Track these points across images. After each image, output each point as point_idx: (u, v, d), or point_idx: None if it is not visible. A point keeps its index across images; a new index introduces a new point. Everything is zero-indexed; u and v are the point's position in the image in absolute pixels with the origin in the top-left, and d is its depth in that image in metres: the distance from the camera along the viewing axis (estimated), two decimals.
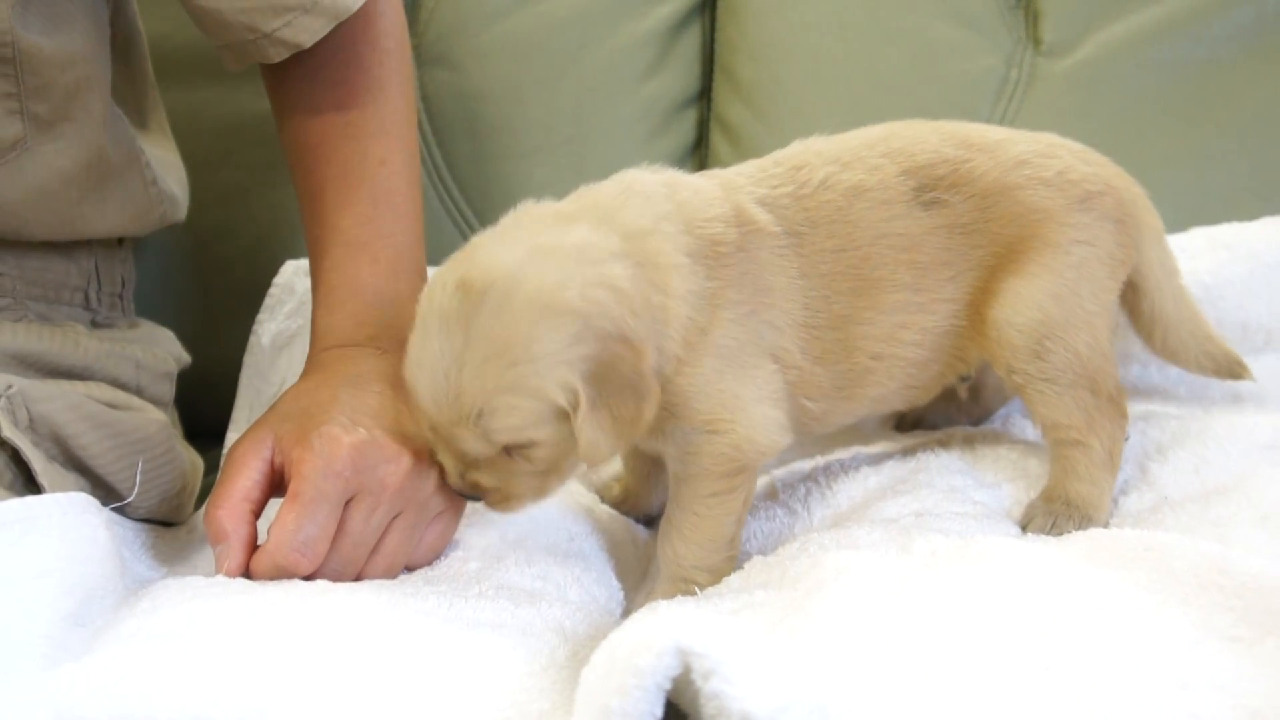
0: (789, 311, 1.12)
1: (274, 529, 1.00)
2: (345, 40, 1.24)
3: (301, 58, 1.22)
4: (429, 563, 1.09)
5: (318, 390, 1.10)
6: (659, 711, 0.69)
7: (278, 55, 1.20)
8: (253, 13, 1.18)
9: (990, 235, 1.15)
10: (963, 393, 1.34)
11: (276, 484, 1.06)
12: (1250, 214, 1.39)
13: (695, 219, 1.08)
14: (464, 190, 1.60)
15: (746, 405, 1.09)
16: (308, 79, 1.25)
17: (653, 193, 1.09)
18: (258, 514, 1.05)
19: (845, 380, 1.16)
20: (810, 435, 1.22)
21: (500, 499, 1.06)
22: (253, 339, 1.50)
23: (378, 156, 1.23)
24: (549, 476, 1.06)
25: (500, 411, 0.99)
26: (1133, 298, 1.22)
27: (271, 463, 1.06)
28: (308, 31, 1.20)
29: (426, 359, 1.01)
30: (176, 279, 1.59)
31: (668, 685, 0.69)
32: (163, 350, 1.31)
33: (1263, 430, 1.19)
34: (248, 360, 1.49)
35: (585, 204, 1.08)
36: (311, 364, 1.17)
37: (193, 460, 1.32)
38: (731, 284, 1.09)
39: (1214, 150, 1.48)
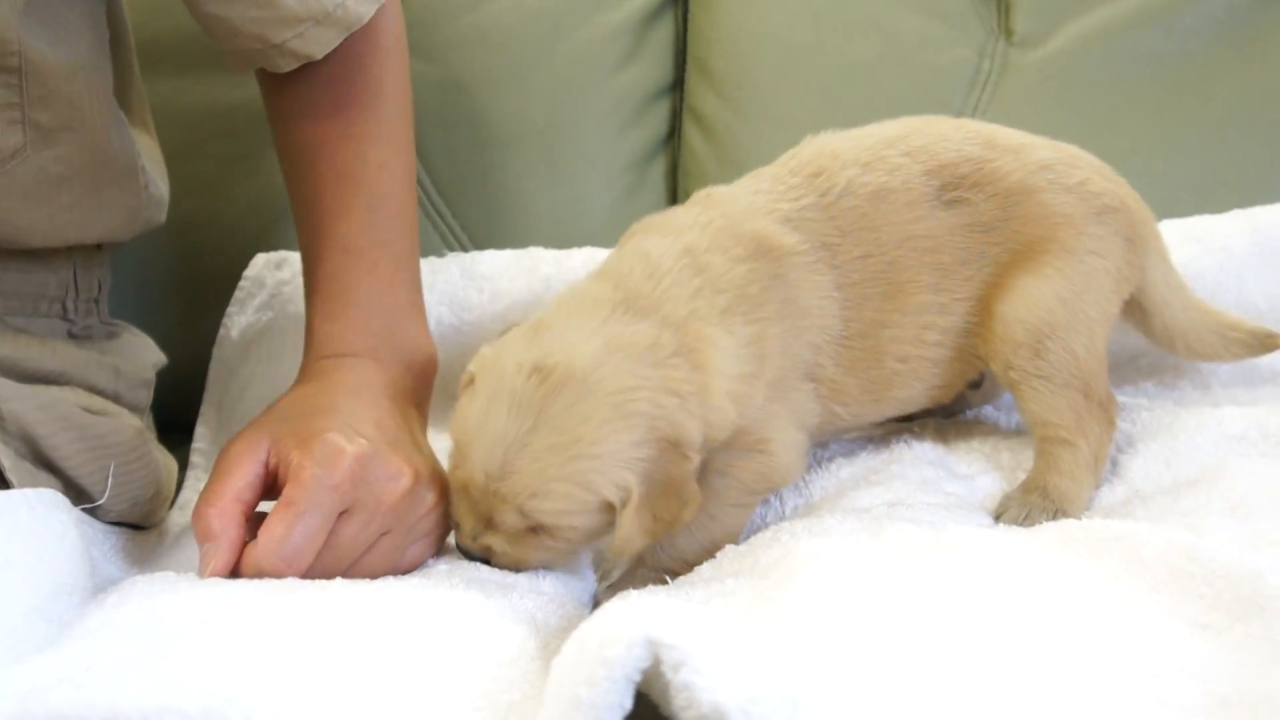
0: (826, 328, 1.13)
1: (263, 533, 0.98)
2: (346, 41, 1.21)
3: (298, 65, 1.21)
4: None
5: (317, 397, 1.08)
6: (628, 703, 0.69)
7: (287, 66, 1.18)
8: (263, 23, 1.15)
9: (1009, 234, 1.15)
10: (976, 401, 1.34)
11: (270, 486, 1.04)
12: (1221, 206, 1.39)
13: (720, 275, 1.09)
14: (436, 181, 1.59)
15: (785, 429, 1.12)
16: (306, 82, 1.23)
17: (679, 269, 1.09)
18: (249, 516, 1.02)
19: (874, 385, 1.17)
20: (840, 436, 1.24)
21: (508, 563, 1.08)
22: (222, 332, 1.49)
23: (376, 160, 1.21)
24: (566, 554, 1.09)
25: (551, 497, 1.02)
26: (1143, 318, 1.24)
27: (266, 464, 1.03)
28: (319, 43, 1.18)
29: (489, 431, 1.03)
30: (147, 272, 1.58)
31: (638, 677, 0.69)
32: (141, 359, 1.30)
33: (1233, 422, 1.19)
34: (216, 354, 1.49)
35: (628, 290, 1.08)
36: (308, 372, 1.15)
37: (168, 465, 1.31)
38: (773, 320, 1.10)
39: (1185, 142, 1.49)
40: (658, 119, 1.65)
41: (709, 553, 1.11)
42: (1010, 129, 1.22)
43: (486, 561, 1.08)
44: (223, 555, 0.98)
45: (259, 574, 0.98)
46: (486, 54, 1.60)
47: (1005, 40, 1.56)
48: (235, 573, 0.99)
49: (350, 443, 1.01)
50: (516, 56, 1.59)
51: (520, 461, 1.02)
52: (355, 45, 1.22)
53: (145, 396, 1.28)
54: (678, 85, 1.67)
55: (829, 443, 1.30)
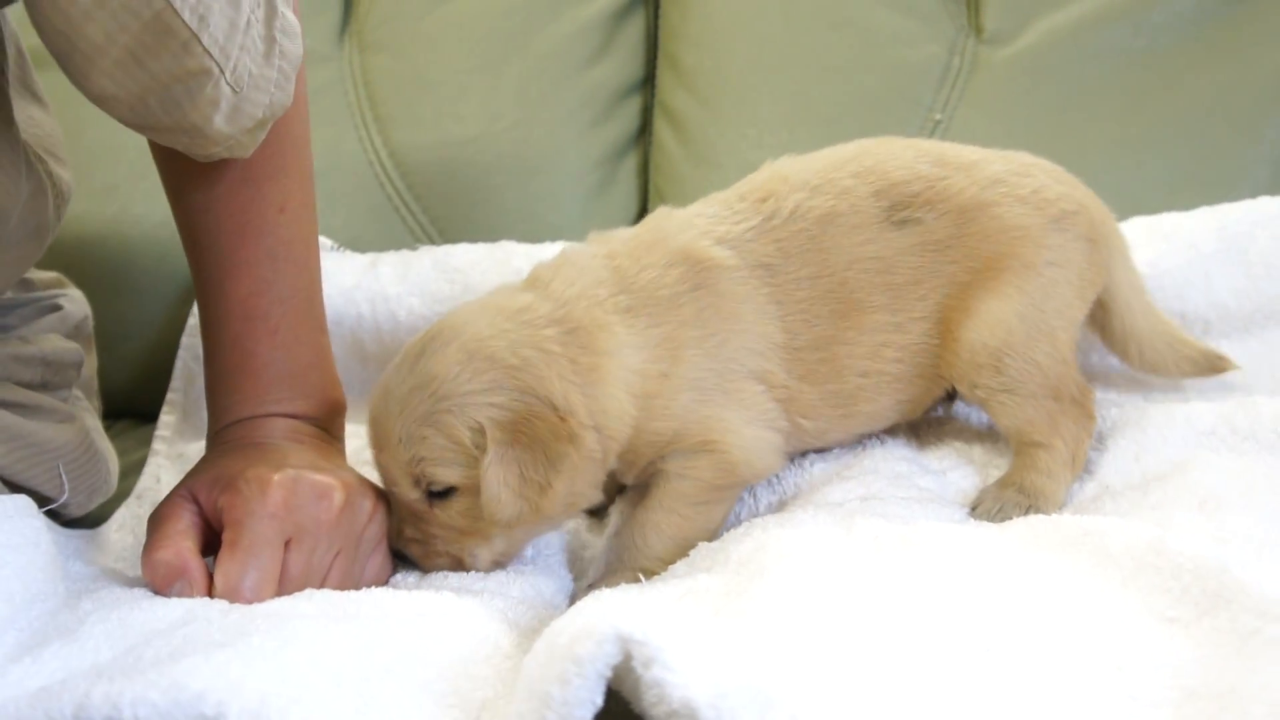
0: (766, 335, 1.13)
1: (219, 576, 0.97)
2: None
3: None
4: None
5: (230, 454, 1.06)
6: (599, 700, 0.69)
7: (217, 155, 1.08)
8: (193, 146, 1.05)
9: (965, 251, 1.16)
10: (947, 412, 1.35)
11: (206, 536, 1.02)
12: (1189, 203, 1.40)
13: (629, 277, 1.12)
14: (406, 178, 1.59)
15: (737, 427, 1.12)
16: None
17: (586, 263, 1.13)
18: (198, 552, 1.00)
19: (838, 399, 1.17)
20: (813, 449, 1.24)
21: (423, 554, 1.09)
22: (191, 321, 1.49)
23: (276, 203, 1.14)
24: (466, 539, 1.08)
25: (415, 441, 1.05)
26: (1103, 317, 1.24)
27: (198, 514, 1.02)
28: (250, 146, 1.08)
29: (377, 396, 1.09)
30: (113, 262, 1.57)
31: (608, 673, 0.69)
32: (71, 323, 1.27)
33: (1202, 417, 1.20)
34: (185, 342, 1.49)
35: (531, 276, 1.15)
36: (218, 442, 1.12)
37: (109, 449, 1.29)
38: (688, 324, 1.11)
39: (1154, 139, 1.49)
40: (629, 115, 1.65)
41: (681, 551, 1.11)
42: (963, 146, 1.22)
43: (412, 558, 1.09)
44: (199, 588, 0.97)
45: None
46: (457, 49, 1.59)
47: (975, 37, 1.56)
48: None
49: (275, 470, 1.01)
50: (487, 52, 1.59)
51: (392, 412, 1.06)
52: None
53: (75, 375, 1.25)
54: (649, 81, 1.67)
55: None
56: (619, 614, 0.70)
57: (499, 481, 1.03)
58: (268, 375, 1.13)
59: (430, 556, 1.09)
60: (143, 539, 1.17)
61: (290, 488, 1.00)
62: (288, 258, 1.15)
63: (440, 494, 1.07)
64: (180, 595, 0.96)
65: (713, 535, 1.13)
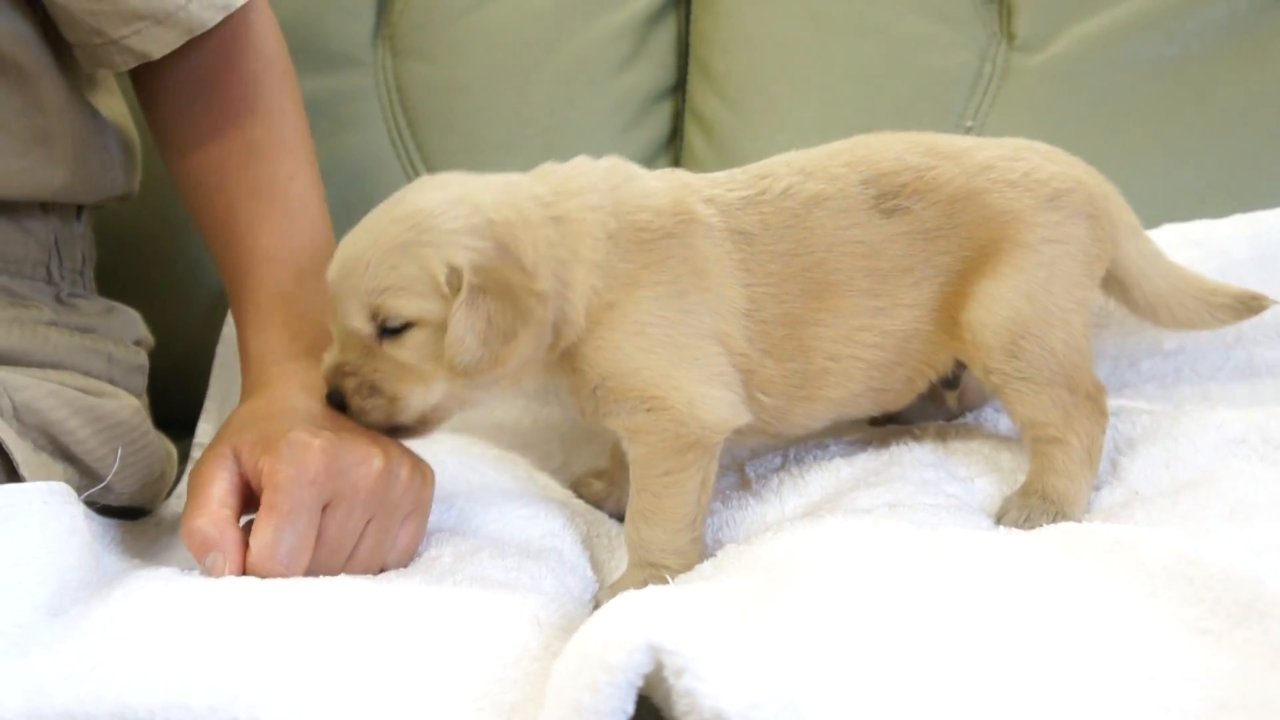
0: (728, 299, 1.13)
1: (254, 541, 0.98)
2: (227, 57, 1.21)
3: (184, 80, 1.20)
4: (405, 565, 1.09)
5: (270, 403, 1.08)
6: (631, 708, 0.69)
7: (124, 64, 1.17)
8: (101, 16, 1.14)
9: (958, 240, 1.16)
10: (952, 402, 1.35)
11: (246, 497, 1.04)
12: (1221, 210, 1.39)
13: (625, 205, 1.13)
14: None
15: (684, 384, 1.11)
16: (200, 102, 1.22)
17: (593, 175, 1.15)
18: (238, 520, 1.02)
19: (802, 379, 1.17)
20: (777, 437, 1.23)
21: (360, 396, 1.08)
22: (226, 329, 1.49)
23: (286, 173, 1.20)
24: (405, 382, 1.08)
25: (383, 269, 1.05)
26: (1122, 292, 1.24)
27: (239, 474, 1.04)
28: (158, 43, 1.17)
29: (354, 231, 1.10)
30: (148, 269, 1.58)
31: (639, 682, 0.69)
32: (131, 334, 1.30)
33: (1232, 425, 1.19)
34: (220, 351, 1.49)
35: (539, 169, 1.17)
36: (253, 386, 1.14)
37: (167, 448, 1.31)
38: (652, 266, 1.12)
39: (1186, 146, 1.49)
40: (660, 120, 1.65)
41: (682, 533, 1.12)
42: (955, 136, 1.22)
43: (343, 407, 1.09)
44: (233, 559, 0.98)
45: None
46: (489, 55, 1.60)
47: (1007, 44, 1.56)
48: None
49: (315, 436, 1.02)
50: (519, 58, 1.60)
51: (364, 241, 1.07)
52: (239, 61, 1.22)
53: (140, 382, 1.29)
54: (680, 87, 1.67)
55: (804, 441, 1.30)
56: (650, 622, 0.70)
57: (466, 324, 1.04)
58: (296, 313, 1.16)
59: (364, 396, 1.09)
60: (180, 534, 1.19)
61: (330, 453, 1.01)
62: (303, 214, 1.20)
63: (395, 330, 1.07)
64: (213, 567, 0.98)
65: (700, 508, 1.13)
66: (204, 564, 0.99)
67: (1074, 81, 1.52)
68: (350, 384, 1.09)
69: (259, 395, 1.12)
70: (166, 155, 1.27)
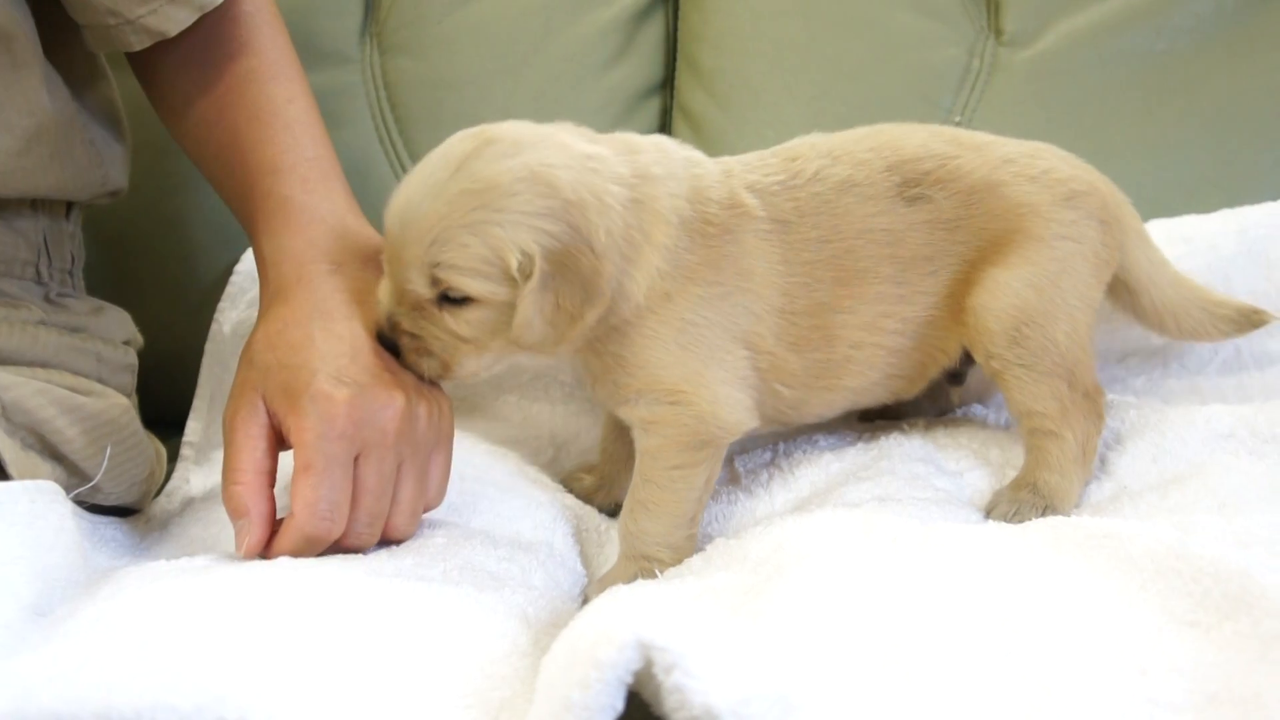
0: (766, 297, 1.14)
1: (295, 502, 1.00)
2: (225, 12, 1.22)
3: (186, 47, 1.20)
4: (440, 502, 1.12)
5: (289, 331, 1.08)
6: (620, 705, 0.69)
7: (139, 43, 1.18)
8: None
9: (974, 230, 1.17)
10: (955, 398, 1.35)
11: (277, 445, 1.06)
12: (1209, 205, 1.40)
13: (700, 195, 1.13)
14: None
15: (710, 383, 1.12)
16: (198, 57, 1.23)
17: (676, 156, 1.14)
18: (273, 484, 1.05)
19: (823, 369, 1.17)
20: (789, 424, 1.23)
21: (415, 354, 1.08)
22: (214, 328, 1.49)
23: (284, 96, 1.21)
24: (462, 348, 1.08)
25: (452, 245, 1.03)
26: (1130, 299, 1.25)
27: (269, 427, 1.05)
28: (173, 21, 1.17)
29: (412, 182, 1.06)
30: (135, 267, 1.58)
31: (629, 679, 0.69)
32: (120, 334, 1.30)
33: (1220, 420, 1.20)
34: (209, 349, 1.48)
35: (617, 140, 1.13)
36: (271, 294, 1.14)
37: (156, 448, 1.31)
38: (710, 264, 1.12)
39: (1173, 141, 1.49)
40: (648, 117, 1.65)
41: (680, 529, 1.13)
42: (979, 131, 1.23)
43: (395, 350, 1.08)
44: (256, 531, 1.01)
45: (307, 540, 1.01)
46: (477, 51, 1.59)
47: (995, 39, 1.56)
48: (268, 547, 1.02)
49: (338, 388, 1.03)
50: (507, 54, 1.59)
51: (431, 206, 1.04)
52: (222, 12, 1.22)
53: (129, 381, 1.29)
54: (668, 83, 1.66)
55: (794, 436, 1.30)
56: (640, 618, 0.70)
57: (536, 308, 1.03)
58: (306, 216, 1.16)
59: (419, 355, 1.08)
60: (172, 532, 1.19)
61: (355, 403, 1.02)
62: (305, 132, 1.20)
63: (455, 300, 1.06)
64: (240, 536, 1.02)
65: (700, 506, 1.14)
66: (237, 528, 1.03)
67: (1061, 77, 1.52)
68: (406, 342, 1.08)
69: (277, 310, 1.10)
70: (166, 115, 1.27)
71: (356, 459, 1.03)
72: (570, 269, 1.04)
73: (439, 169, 1.05)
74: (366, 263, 1.15)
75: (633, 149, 1.12)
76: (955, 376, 1.29)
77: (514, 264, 1.02)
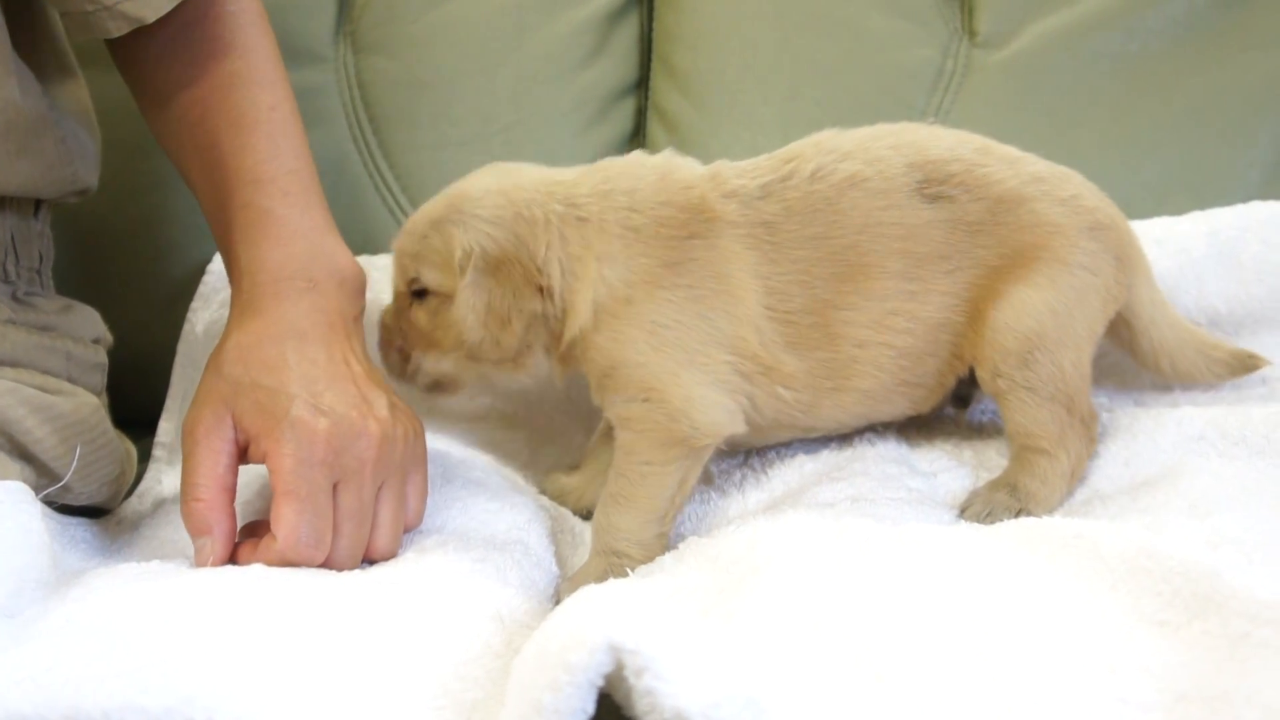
0: (746, 300, 1.14)
1: (279, 528, 0.99)
2: (207, 4, 1.20)
3: (166, 34, 1.19)
4: (420, 522, 1.12)
5: (263, 347, 1.07)
6: (591, 707, 0.69)
7: (117, 30, 1.16)
8: None
9: (999, 238, 1.16)
10: (959, 420, 1.35)
11: (241, 460, 1.06)
12: (1181, 207, 1.40)
13: (650, 200, 1.16)
14: (400, 178, 1.59)
15: (685, 384, 1.12)
16: (180, 48, 1.21)
17: (646, 167, 1.20)
18: (233, 500, 1.04)
19: (828, 370, 1.17)
20: (810, 430, 1.24)
21: (389, 349, 1.24)
22: (186, 328, 1.48)
23: (267, 103, 1.20)
24: (425, 347, 1.21)
25: (420, 238, 1.19)
26: (1130, 337, 1.25)
27: (235, 442, 1.05)
28: (150, 7, 1.15)
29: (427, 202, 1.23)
30: (107, 266, 1.57)
31: (600, 682, 0.69)
32: (90, 332, 1.29)
33: (1192, 422, 1.20)
34: (181, 349, 1.47)
35: (595, 166, 1.23)
36: (244, 304, 1.13)
37: (127, 448, 1.30)
38: (673, 267, 1.13)
39: (1146, 143, 1.49)
40: (623, 117, 1.65)
41: (649, 526, 1.13)
42: (1009, 146, 1.23)
43: (404, 364, 1.23)
44: (219, 549, 1.01)
45: (291, 566, 1.00)
46: (451, 51, 1.59)
47: (969, 40, 1.56)
48: (230, 562, 1.02)
49: (317, 418, 1.03)
50: (481, 54, 1.59)
51: (420, 212, 1.21)
52: (204, 3, 1.21)
53: (99, 380, 1.27)
54: (643, 83, 1.66)
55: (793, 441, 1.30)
56: (611, 621, 0.70)
57: (468, 304, 1.15)
58: (286, 230, 1.15)
59: (391, 350, 1.24)
60: (143, 533, 1.18)
61: (333, 433, 1.02)
62: (286, 141, 1.20)
63: (420, 293, 1.20)
64: (199, 553, 1.01)
65: (673, 506, 1.14)
66: (197, 546, 1.02)
67: (1035, 78, 1.52)
68: (387, 337, 1.24)
69: (250, 322, 1.10)
70: (146, 107, 1.26)
71: (336, 486, 1.03)
72: (505, 274, 1.14)
73: (442, 192, 1.21)
74: (341, 285, 1.15)
75: (598, 170, 1.21)
76: (961, 400, 1.29)
77: (457, 256, 1.15)
